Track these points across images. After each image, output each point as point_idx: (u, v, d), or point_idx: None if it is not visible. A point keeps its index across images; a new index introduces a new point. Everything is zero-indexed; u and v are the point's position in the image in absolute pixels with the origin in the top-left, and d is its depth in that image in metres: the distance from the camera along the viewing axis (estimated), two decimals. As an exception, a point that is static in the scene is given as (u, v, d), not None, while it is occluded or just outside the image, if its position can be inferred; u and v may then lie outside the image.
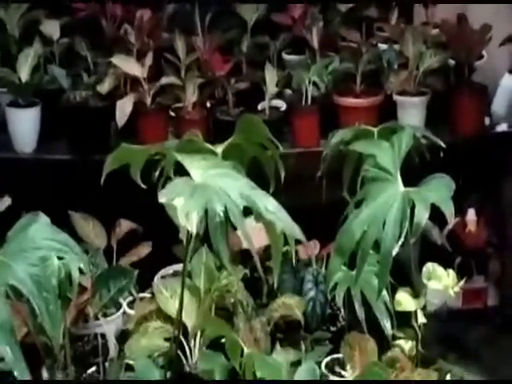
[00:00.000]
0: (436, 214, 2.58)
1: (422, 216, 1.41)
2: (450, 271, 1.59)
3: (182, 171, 1.37)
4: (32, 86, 2.38)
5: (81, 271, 2.05)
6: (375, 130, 1.76)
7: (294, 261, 1.93)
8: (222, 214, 1.19)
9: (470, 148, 2.49)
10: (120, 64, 2.32)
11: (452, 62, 2.49)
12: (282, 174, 1.49)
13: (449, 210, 1.40)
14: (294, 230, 1.27)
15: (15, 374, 1.05)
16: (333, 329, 1.95)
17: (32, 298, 1.05)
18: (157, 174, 1.40)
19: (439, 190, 1.44)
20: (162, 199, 1.18)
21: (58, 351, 1.70)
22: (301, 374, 1.46)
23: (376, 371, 1.41)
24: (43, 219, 1.17)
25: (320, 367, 1.76)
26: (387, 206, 1.46)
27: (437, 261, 2.62)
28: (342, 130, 1.79)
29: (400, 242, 1.43)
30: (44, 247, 1.12)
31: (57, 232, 1.18)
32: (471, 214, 2.59)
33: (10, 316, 1.03)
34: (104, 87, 2.36)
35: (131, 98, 2.32)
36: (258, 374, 1.32)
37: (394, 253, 1.44)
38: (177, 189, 1.20)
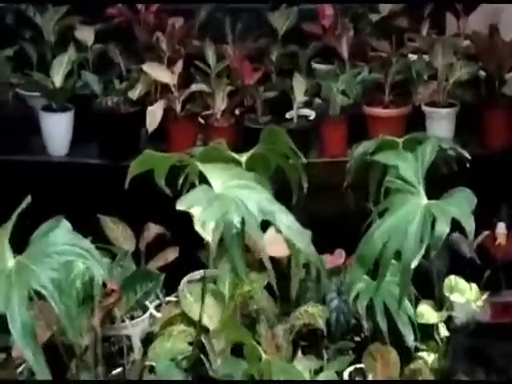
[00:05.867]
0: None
1: (443, 230, 1.41)
2: (473, 285, 1.58)
3: (206, 179, 1.39)
4: (65, 91, 2.43)
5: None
6: (400, 140, 1.77)
7: (315, 270, 1.96)
8: (238, 226, 1.20)
9: (500, 161, 2.49)
10: (151, 71, 2.36)
11: (483, 73, 2.48)
12: (305, 185, 1.50)
13: (469, 224, 1.40)
14: (309, 249, 1.28)
15: (36, 375, 1.08)
16: (357, 339, 1.95)
17: (53, 301, 1.08)
18: (181, 180, 1.42)
19: (460, 204, 1.45)
20: (180, 207, 1.20)
21: (81, 352, 1.74)
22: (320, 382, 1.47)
23: None
24: (65, 225, 1.19)
25: (342, 377, 1.77)
26: (409, 218, 1.46)
27: (466, 274, 2.61)
28: (367, 141, 1.80)
29: (420, 254, 1.43)
30: (65, 252, 1.15)
31: (78, 238, 1.20)
32: (501, 228, 2.57)
33: (31, 319, 1.06)
34: (135, 93, 2.40)
35: (161, 104, 2.35)
36: (268, 378, 1.34)
37: (414, 264, 1.44)
38: (195, 197, 1.22)
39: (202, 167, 1.28)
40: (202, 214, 1.18)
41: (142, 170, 1.37)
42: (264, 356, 1.41)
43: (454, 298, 1.57)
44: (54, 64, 2.43)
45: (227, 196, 1.24)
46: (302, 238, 1.27)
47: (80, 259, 1.15)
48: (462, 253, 2.54)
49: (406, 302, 1.71)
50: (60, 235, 1.17)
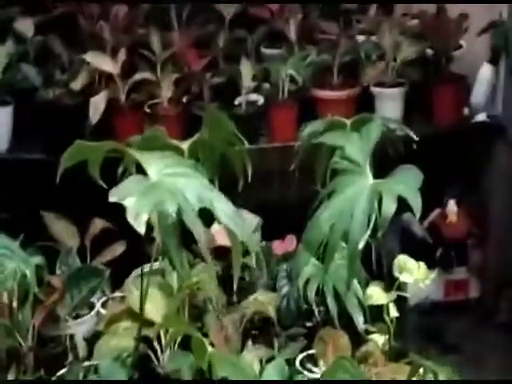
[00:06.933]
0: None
1: (390, 208, 1.38)
2: (421, 264, 1.55)
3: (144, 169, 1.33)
4: (3, 84, 2.35)
5: (52, 272, 2.04)
6: (348, 121, 1.73)
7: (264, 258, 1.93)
8: (174, 215, 1.14)
9: (449, 139, 2.47)
10: (93, 60, 2.30)
11: (431, 52, 2.46)
12: (249, 171, 1.45)
13: (416, 201, 1.37)
14: (249, 237, 1.23)
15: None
16: (309, 324, 1.92)
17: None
18: (120, 171, 1.36)
19: (407, 181, 1.41)
20: (112, 198, 1.13)
21: (22, 354, 1.68)
22: (269, 371, 1.43)
23: (345, 365, 1.38)
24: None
25: (294, 364, 1.74)
26: (355, 199, 1.43)
27: (418, 253, 2.60)
28: (315, 122, 1.76)
29: (367, 235, 1.40)
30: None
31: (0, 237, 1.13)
32: (452, 205, 2.57)
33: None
34: (77, 84, 2.34)
35: (104, 94, 2.29)
36: (220, 374, 1.29)
37: (361, 245, 1.41)
38: (128, 188, 1.16)
39: (136, 155, 1.21)
40: (134, 204, 1.12)
41: (75, 161, 1.30)
42: (210, 348, 1.36)
43: (403, 277, 1.54)
44: (-10, 57, 2.35)
45: (163, 184, 1.18)
46: (242, 226, 1.21)
47: (4, 258, 1.08)
48: (413, 232, 2.54)
49: (356, 285, 1.68)
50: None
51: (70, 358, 1.74)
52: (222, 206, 1.20)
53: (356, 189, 1.45)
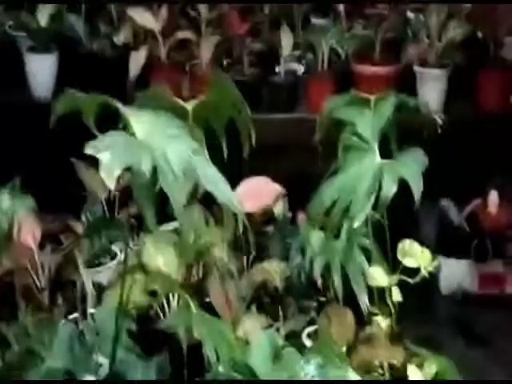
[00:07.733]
0: (457, 193, 2.49)
1: (390, 189, 1.35)
2: (426, 250, 1.52)
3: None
4: (49, 31, 2.39)
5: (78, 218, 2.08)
6: (372, 98, 1.69)
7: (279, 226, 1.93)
8: (147, 175, 1.12)
9: (493, 127, 2.40)
10: (135, 15, 2.31)
11: (481, 36, 2.38)
12: (253, 138, 1.43)
13: (416, 185, 1.34)
14: (232, 202, 1.21)
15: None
16: (323, 299, 1.91)
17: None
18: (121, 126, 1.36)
19: (411, 164, 1.38)
20: (87, 150, 1.12)
21: (36, 293, 1.73)
22: (260, 339, 1.42)
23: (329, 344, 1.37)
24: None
25: (300, 336, 1.73)
26: (360, 176, 1.41)
27: (453, 241, 2.52)
28: (337, 97, 1.73)
29: (365, 213, 1.38)
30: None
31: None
32: (493, 196, 2.50)
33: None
34: (120, 38, 2.36)
35: (144, 50, 2.31)
36: (198, 335, 1.31)
37: (359, 223, 1.39)
38: (107, 142, 1.14)
39: (125, 111, 1.20)
40: (109, 159, 1.10)
41: (67, 110, 1.31)
42: (193, 309, 1.37)
43: (406, 262, 1.51)
44: (40, 4, 2.39)
45: (144, 143, 1.16)
46: (226, 193, 1.20)
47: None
48: (451, 220, 2.49)
49: (364, 265, 1.65)
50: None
51: (79, 304, 1.78)
52: (206, 170, 1.19)
53: (362, 166, 1.43)
